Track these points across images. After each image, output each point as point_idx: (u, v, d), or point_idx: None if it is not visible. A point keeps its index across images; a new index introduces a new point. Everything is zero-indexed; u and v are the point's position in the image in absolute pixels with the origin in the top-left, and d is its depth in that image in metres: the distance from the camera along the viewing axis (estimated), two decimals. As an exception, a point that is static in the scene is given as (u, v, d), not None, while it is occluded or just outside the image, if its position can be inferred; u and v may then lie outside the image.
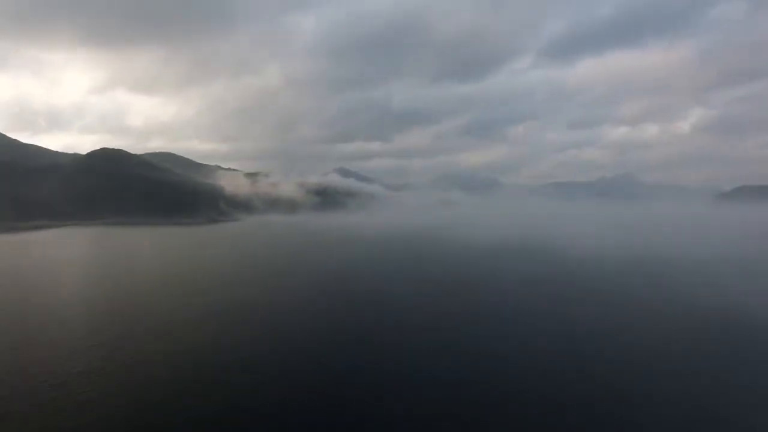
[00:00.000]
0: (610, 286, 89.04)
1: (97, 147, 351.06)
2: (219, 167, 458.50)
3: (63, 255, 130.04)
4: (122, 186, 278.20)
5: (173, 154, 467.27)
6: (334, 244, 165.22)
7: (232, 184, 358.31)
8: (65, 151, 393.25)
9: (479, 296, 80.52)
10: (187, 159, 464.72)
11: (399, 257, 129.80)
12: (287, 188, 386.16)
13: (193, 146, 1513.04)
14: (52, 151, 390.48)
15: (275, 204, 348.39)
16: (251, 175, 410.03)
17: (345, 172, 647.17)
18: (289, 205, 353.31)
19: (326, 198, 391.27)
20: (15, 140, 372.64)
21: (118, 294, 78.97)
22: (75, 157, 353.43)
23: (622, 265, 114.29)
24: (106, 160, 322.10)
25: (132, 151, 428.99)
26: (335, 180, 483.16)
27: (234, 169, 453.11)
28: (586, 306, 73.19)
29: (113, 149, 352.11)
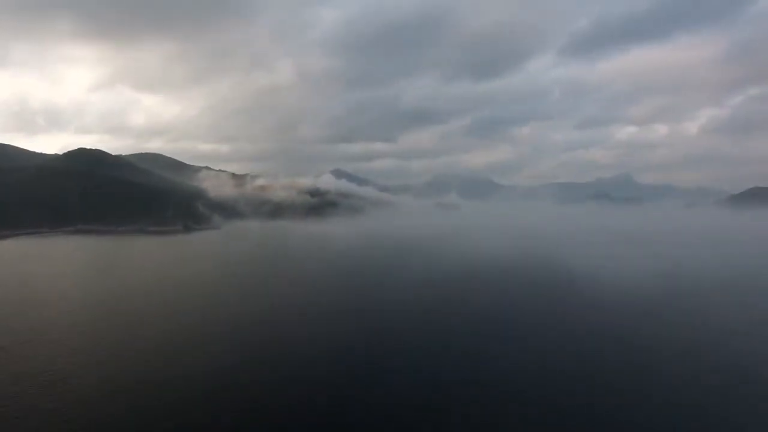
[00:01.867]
0: (606, 303, 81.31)
1: (96, 147, 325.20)
2: (208, 168, 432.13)
3: None
4: (93, 190, 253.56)
5: (160, 155, 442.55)
6: (311, 257, 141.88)
7: (218, 187, 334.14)
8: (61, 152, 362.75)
9: (469, 316, 73.22)
10: (175, 160, 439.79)
11: (382, 272, 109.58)
12: (276, 191, 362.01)
13: (193, 147, 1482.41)
14: (29, 151, 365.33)
15: (261, 208, 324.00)
16: (239, 177, 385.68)
17: (340, 174, 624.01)
18: (276, 210, 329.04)
19: (317, 201, 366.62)
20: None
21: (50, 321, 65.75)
22: (49, 159, 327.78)
23: (619, 281, 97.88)
24: (82, 162, 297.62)
25: (132, 152, 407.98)
26: (328, 182, 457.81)
27: (223, 170, 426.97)
28: (591, 332, 65.23)
29: (91, 149, 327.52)
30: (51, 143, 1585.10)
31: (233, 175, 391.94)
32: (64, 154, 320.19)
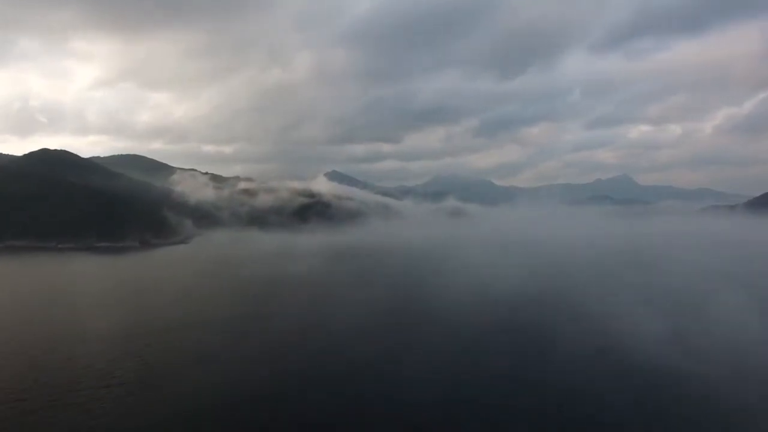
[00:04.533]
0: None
1: (93, 147, 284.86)
2: (195, 170, 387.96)
3: None
4: (42, 198, 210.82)
5: (141, 156, 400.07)
6: (274, 282, 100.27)
7: (195, 192, 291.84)
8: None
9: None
10: (158, 162, 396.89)
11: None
12: (262, 196, 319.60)
13: (197, 148, 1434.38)
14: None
15: (242, 215, 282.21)
16: (221, 180, 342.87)
17: (336, 176, 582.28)
18: (260, 216, 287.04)
19: (306, 207, 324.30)
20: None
21: None
22: (4, 161, 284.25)
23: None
24: (41, 165, 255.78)
25: (133, 153, 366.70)
26: (322, 185, 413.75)
27: (209, 173, 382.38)
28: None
29: (55, 150, 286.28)
30: (48, 143, 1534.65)
31: (214, 176, 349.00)
32: (23, 157, 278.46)
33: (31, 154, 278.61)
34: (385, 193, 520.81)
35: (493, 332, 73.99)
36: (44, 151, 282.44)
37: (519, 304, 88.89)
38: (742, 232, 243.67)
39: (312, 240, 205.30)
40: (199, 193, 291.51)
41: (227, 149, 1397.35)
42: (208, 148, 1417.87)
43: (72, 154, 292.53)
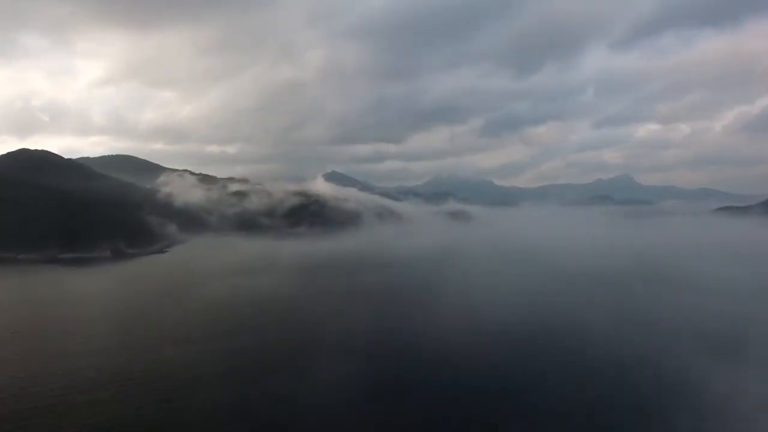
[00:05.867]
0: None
1: (94, 148, 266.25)
2: (186, 171, 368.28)
3: None
4: (11, 202, 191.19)
5: (132, 156, 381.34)
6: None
7: (185, 194, 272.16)
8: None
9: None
10: (150, 162, 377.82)
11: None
12: (254, 197, 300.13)
13: (194, 149, 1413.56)
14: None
15: (232, 219, 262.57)
16: (211, 181, 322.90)
17: (335, 177, 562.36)
18: (251, 220, 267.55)
19: (300, 209, 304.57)
20: None
21: None
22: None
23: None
24: (17, 166, 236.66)
25: (131, 153, 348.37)
26: (319, 186, 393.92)
27: (203, 174, 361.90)
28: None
29: (35, 150, 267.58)
30: (50, 144, 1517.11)
31: (204, 177, 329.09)
32: (0, 157, 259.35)
33: (8, 155, 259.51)
34: (384, 193, 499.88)
35: (500, 383, 53.96)
36: (23, 152, 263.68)
37: (533, 345, 68.68)
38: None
39: (298, 248, 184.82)
40: (187, 194, 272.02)
41: (230, 149, 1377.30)
42: (211, 149, 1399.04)
43: (53, 154, 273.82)
